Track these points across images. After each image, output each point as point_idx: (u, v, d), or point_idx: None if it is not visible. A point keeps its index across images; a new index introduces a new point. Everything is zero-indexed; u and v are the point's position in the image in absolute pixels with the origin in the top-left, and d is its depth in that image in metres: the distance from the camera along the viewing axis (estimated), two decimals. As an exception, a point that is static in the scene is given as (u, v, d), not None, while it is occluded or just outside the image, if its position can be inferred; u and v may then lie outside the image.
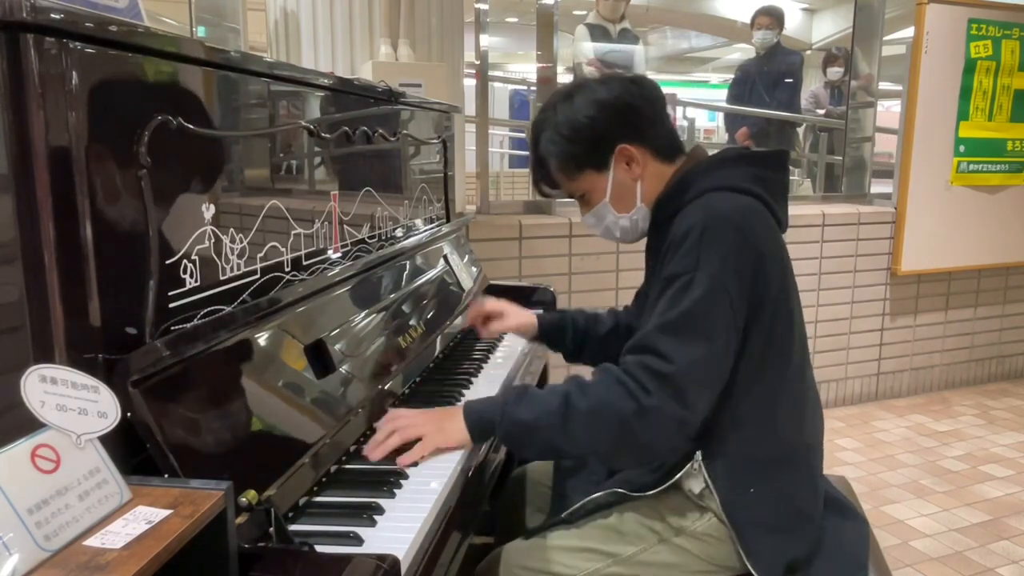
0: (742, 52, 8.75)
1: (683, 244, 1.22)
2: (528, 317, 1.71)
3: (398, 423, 1.24)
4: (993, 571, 2.37)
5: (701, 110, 7.46)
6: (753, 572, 1.24)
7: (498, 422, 1.24)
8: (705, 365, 1.18)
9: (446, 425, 1.25)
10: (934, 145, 3.64)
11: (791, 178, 1.44)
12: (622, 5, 4.38)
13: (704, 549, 1.28)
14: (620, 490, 1.32)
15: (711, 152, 1.39)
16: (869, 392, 3.87)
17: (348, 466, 1.20)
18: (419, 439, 1.22)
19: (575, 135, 1.33)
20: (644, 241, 1.45)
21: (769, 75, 4.67)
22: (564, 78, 3.53)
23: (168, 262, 0.95)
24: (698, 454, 1.27)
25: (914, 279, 3.81)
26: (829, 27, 8.91)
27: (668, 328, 1.19)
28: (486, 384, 1.60)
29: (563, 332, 1.68)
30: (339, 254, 1.46)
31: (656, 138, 1.35)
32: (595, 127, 1.33)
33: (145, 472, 0.82)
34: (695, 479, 1.28)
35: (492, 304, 1.73)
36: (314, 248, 1.36)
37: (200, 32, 2.77)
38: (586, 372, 1.34)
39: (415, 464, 1.20)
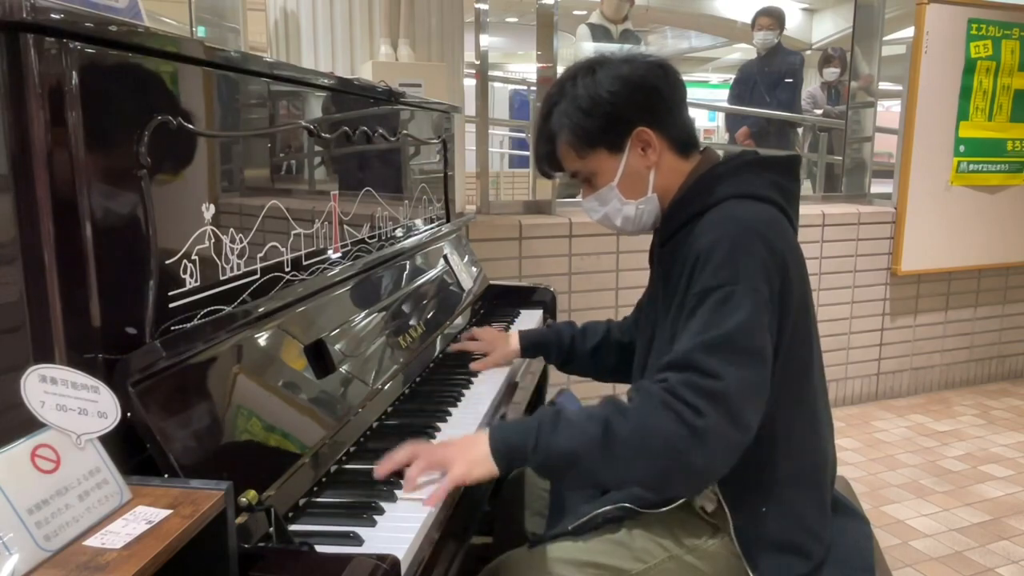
0: (742, 52, 8.75)
1: (713, 256, 1.15)
2: (512, 346, 1.71)
3: (419, 448, 1.15)
4: (993, 571, 2.37)
5: (701, 110, 7.46)
6: None
7: (531, 451, 1.11)
8: (756, 383, 1.11)
9: (470, 455, 1.12)
10: (934, 145, 3.64)
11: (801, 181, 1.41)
12: (626, 6, 4.38)
13: (714, 567, 1.26)
14: (629, 505, 1.28)
15: (722, 154, 1.35)
16: (869, 392, 3.87)
17: (348, 466, 1.20)
18: (439, 466, 1.12)
19: (593, 109, 1.26)
20: (645, 240, 1.44)
21: (770, 75, 4.68)
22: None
23: (168, 262, 0.95)
24: None
25: (914, 279, 3.81)
26: (829, 27, 8.90)
27: (713, 345, 1.10)
28: (487, 384, 1.60)
29: (546, 349, 1.70)
30: (339, 254, 1.46)
31: (675, 127, 1.29)
32: (616, 103, 1.25)
33: (145, 472, 0.82)
34: (708, 498, 1.25)
35: (475, 345, 1.75)
36: (314, 248, 1.36)
37: (200, 32, 2.77)
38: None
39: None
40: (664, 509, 1.27)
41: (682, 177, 1.31)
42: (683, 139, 1.31)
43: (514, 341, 1.72)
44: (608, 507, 1.30)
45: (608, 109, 1.26)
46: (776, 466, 1.24)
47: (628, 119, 1.27)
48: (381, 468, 1.12)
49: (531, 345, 1.71)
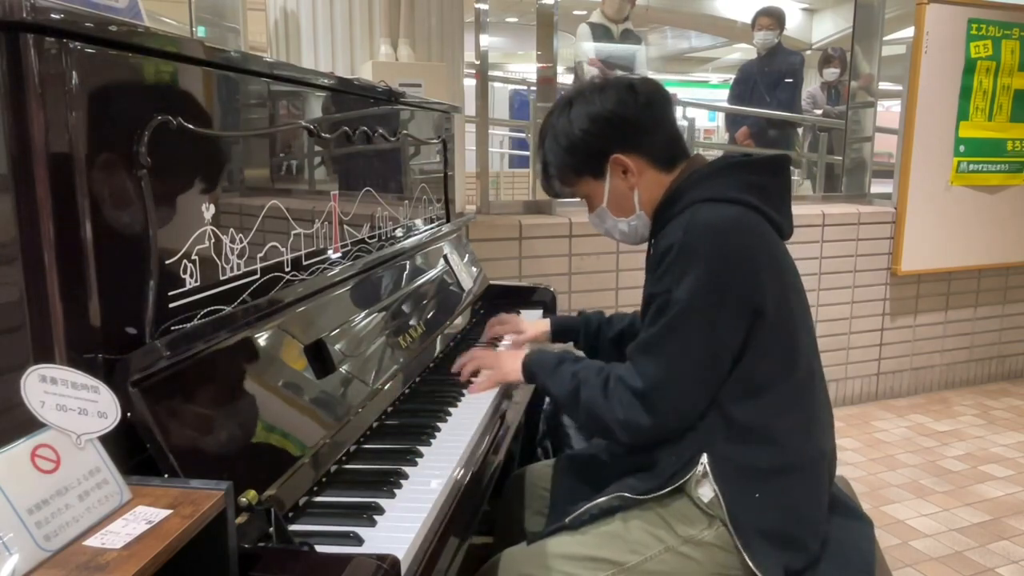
0: (742, 52, 8.74)
1: (662, 263, 1.26)
2: (543, 327, 1.81)
3: (478, 354, 1.62)
4: (993, 571, 2.37)
5: (701, 110, 7.46)
6: None
7: (539, 382, 1.47)
8: (672, 383, 1.25)
9: (509, 366, 1.53)
10: (934, 145, 3.64)
11: (791, 179, 1.45)
12: (628, 6, 4.38)
13: (711, 558, 1.27)
14: (624, 494, 1.31)
15: (711, 159, 1.40)
16: (869, 392, 3.87)
17: (348, 466, 1.20)
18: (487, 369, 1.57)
19: (571, 147, 1.38)
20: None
21: (770, 75, 4.68)
22: (564, 78, 3.53)
23: (168, 262, 0.95)
24: (704, 458, 1.26)
25: (914, 279, 3.81)
26: (829, 27, 8.90)
27: (643, 346, 1.29)
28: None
29: (575, 334, 1.77)
30: (339, 254, 1.46)
31: (652, 146, 1.36)
32: (587, 140, 1.36)
33: (145, 472, 0.82)
34: (704, 487, 1.27)
35: (510, 320, 1.88)
36: (314, 248, 1.36)
37: (200, 32, 2.77)
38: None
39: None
40: (659, 493, 1.29)
41: (665, 188, 1.37)
42: (664, 155, 1.37)
43: (544, 323, 1.81)
44: (603, 498, 1.32)
45: (582, 146, 1.37)
46: (767, 455, 1.27)
47: (603, 150, 1.36)
48: (462, 373, 1.60)
49: (560, 329, 1.80)
